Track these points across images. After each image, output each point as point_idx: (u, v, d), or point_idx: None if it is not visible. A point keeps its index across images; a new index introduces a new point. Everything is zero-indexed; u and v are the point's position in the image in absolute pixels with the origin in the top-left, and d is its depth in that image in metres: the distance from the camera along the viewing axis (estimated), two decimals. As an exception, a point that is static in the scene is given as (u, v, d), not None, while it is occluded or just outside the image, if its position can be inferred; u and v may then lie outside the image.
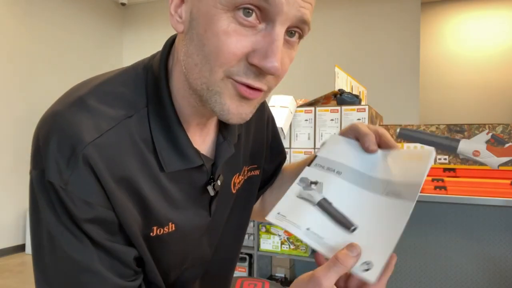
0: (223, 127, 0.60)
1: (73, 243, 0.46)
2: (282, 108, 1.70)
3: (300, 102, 1.88)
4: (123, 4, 4.76)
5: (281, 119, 1.66)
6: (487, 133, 1.57)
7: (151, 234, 0.52)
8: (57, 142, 0.45)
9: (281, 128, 1.66)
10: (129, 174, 0.48)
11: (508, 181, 1.49)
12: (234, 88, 0.45)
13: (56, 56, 3.93)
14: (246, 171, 0.69)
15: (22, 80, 3.60)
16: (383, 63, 3.63)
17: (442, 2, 4.18)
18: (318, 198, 0.50)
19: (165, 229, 0.53)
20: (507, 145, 1.54)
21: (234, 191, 0.66)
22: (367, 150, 0.52)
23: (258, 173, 0.72)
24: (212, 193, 0.57)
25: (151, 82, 0.52)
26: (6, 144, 3.37)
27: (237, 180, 0.67)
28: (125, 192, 0.48)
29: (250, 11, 0.42)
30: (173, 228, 0.54)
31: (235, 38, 0.42)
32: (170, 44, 0.54)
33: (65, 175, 0.44)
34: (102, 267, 0.47)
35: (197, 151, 0.54)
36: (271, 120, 0.75)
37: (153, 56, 0.55)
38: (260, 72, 0.44)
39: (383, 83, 3.55)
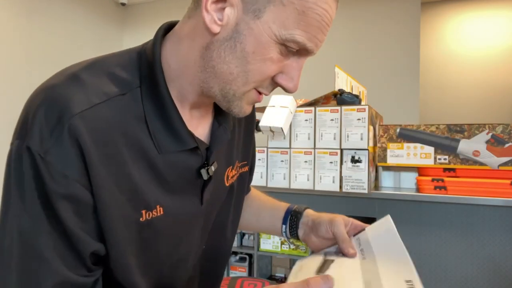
0: (218, 113, 0.61)
1: (32, 225, 0.43)
2: (282, 108, 1.70)
3: (300, 102, 1.88)
4: (123, 4, 4.75)
5: (281, 119, 1.66)
6: (487, 133, 1.57)
7: (141, 219, 0.51)
8: (44, 111, 0.44)
9: (281, 128, 1.66)
10: (116, 152, 0.47)
11: (508, 181, 1.49)
12: (253, 97, 0.53)
13: (56, 56, 3.93)
14: (238, 166, 0.70)
15: (21, 80, 3.60)
16: (383, 63, 3.63)
17: (442, 2, 4.17)
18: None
19: (153, 212, 0.52)
20: (507, 145, 1.54)
21: (227, 184, 0.66)
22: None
23: (247, 169, 0.75)
24: (205, 177, 0.58)
25: (145, 65, 0.52)
26: (6, 144, 3.36)
27: (231, 173, 0.67)
28: (110, 170, 0.47)
29: (293, 49, 0.50)
30: (161, 212, 0.53)
31: (276, 65, 0.50)
32: (164, 29, 0.55)
33: (47, 144, 0.43)
34: (54, 254, 0.45)
35: (191, 133, 0.54)
36: (256, 125, 0.78)
37: (146, 43, 0.55)
38: (276, 86, 0.53)
39: (383, 83, 3.54)
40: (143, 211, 0.51)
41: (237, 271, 2.00)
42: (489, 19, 4.03)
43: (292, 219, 0.75)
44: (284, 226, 0.76)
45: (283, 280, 2.02)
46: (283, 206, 0.79)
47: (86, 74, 0.48)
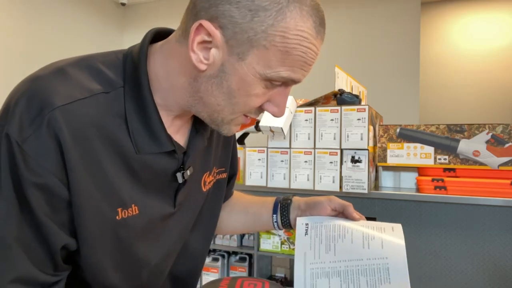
0: (197, 121, 0.62)
1: (2, 211, 0.43)
2: (282, 108, 1.69)
3: (300, 102, 1.88)
4: (123, 4, 4.75)
5: (281, 119, 1.66)
6: (487, 133, 1.57)
7: (117, 217, 0.52)
8: (27, 101, 0.44)
9: (281, 128, 1.65)
10: (93, 148, 0.48)
11: (508, 181, 1.49)
12: (241, 121, 0.56)
13: (55, 56, 3.93)
14: (215, 172, 0.71)
15: (20, 79, 3.60)
16: (383, 63, 3.63)
17: (442, 2, 4.18)
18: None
19: (129, 211, 0.53)
20: (507, 145, 1.54)
21: (204, 190, 0.67)
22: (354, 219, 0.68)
23: (225, 176, 0.75)
24: (180, 180, 0.58)
25: (130, 66, 0.53)
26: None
27: (208, 179, 0.69)
28: (86, 165, 0.47)
29: (278, 83, 0.52)
30: (137, 211, 0.54)
31: (261, 98, 0.52)
32: (152, 35, 0.56)
33: (25, 133, 0.43)
34: (20, 245, 0.44)
35: (169, 137, 0.55)
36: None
37: (133, 46, 0.56)
38: (262, 111, 0.55)
39: (383, 83, 3.54)
40: (119, 209, 0.52)
41: (237, 271, 2.00)
42: (489, 19, 4.03)
43: (282, 207, 0.76)
44: (275, 216, 0.77)
45: (283, 280, 2.02)
46: (270, 199, 0.80)
47: (72, 69, 0.49)
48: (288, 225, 0.76)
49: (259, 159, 1.81)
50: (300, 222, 0.69)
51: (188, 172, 0.60)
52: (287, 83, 0.52)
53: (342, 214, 0.71)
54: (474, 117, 3.93)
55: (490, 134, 1.56)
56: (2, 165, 0.43)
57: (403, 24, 3.59)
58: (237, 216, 0.83)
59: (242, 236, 1.98)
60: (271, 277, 2.05)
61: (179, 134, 0.60)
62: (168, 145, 0.54)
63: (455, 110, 4.07)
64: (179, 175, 0.58)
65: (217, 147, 0.71)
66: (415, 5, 3.56)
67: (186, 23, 0.51)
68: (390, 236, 0.63)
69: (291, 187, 1.75)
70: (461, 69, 4.10)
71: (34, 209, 0.44)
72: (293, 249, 1.84)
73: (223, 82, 0.50)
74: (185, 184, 0.60)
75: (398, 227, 0.65)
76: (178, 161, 0.58)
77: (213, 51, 0.48)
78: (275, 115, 0.55)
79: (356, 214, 0.69)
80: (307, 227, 0.67)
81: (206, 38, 0.48)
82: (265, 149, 1.81)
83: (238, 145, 2.04)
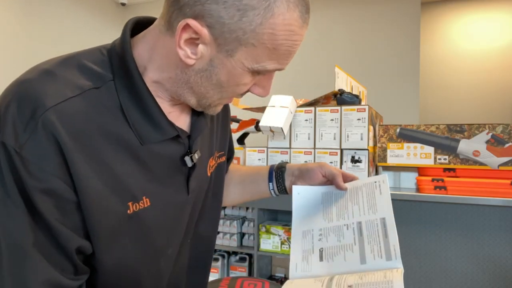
0: None
1: (14, 222, 0.42)
2: (282, 108, 1.70)
3: (300, 102, 1.88)
4: (123, 4, 4.76)
5: (281, 119, 1.66)
6: (487, 133, 1.57)
7: (128, 211, 0.51)
8: (17, 106, 0.43)
9: (281, 128, 1.65)
10: (94, 144, 0.47)
11: (508, 181, 1.49)
12: (227, 101, 0.57)
13: (55, 55, 3.93)
14: (217, 156, 0.71)
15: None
16: (383, 63, 3.63)
17: (442, 2, 4.17)
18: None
19: (140, 204, 0.52)
20: (507, 145, 1.54)
21: (209, 175, 0.67)
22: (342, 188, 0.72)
23: (224, 159, 0.76)
24: (189, 164, 0.58)
25: (116, 59, 0.53)
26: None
27: (211, 163, 0.69)
28: (90, 163, 0.46)
29: (265, 72, 0.53)
30: (148, 203, 0.53)
31: (249, 85, 0.54)
32: (132, 24, 0.56)
33: (22, 139, 0.42)
34: (38, 251, 0.44)
35: (171, 122, 0.55)
36: (230, 116, 0.82)
37: (115, 40, 0.57)
38: (249, 93, 0.57)
39: (383, 83, 3.54)
40: (130, 203, 0.51)
41: (237, 271, 2.00)
42: (489, 19, 4.02)
43: (277, 175, 0.79)
44: (271, 184, 0.80)
45: (283, 280, 2.02)
46: (265, 168, 0.83)
47: (59, 69, 0.48)
48: (284, 191, 0.80)
49: (259, 159, 1.81)
50: (296, 192, 0.73)
51: (196, 156, 0.59)
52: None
53: (331, 182, 0.74)
54: (474, 117, 3.93)
55: (490, 134, 1.56)
56: (5, 174, 0.42)
57: (403, 24, 3.59)
58: (235, 189, 0.85)
59: (242, 236, 1.98)
60: (271, 277, 2.05)
61: (180, 118, 0.59)
62: (171, 131, 0.54)
63: (455, 110, 4.07)
64: (187, 158, 0.58)
65: (217, 131, 0.72)
66: (415, 5, 3.56)
67: (168, 14, 0.50)
68: (379, 196, 0.66)
69: (291, 187, 1.75)
70: (461, 69, 4.10)
71: (44, 214, 0.43)
72: (293, 249, 1.84)
73: (212, 75, 0.51)
74: (195, 168, 0.60)
75: (384, 186, 0.68)
76: (185, 146, 0.58)
77: (201, 47, 0.48)
78: (260, 96, 0.57)
79: (343, 185, 0.72)
80: (302, 196, 0.71)
81: (194, 35, 0.48)
82: (265, 149, 1.81)
83: (238, 145, 2.04)
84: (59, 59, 0.51)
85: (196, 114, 0.62)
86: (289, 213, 2.16)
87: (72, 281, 0.47)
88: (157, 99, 0.54)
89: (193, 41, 0.48)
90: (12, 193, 0.42)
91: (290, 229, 1.80)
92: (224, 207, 2.13)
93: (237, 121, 2.00)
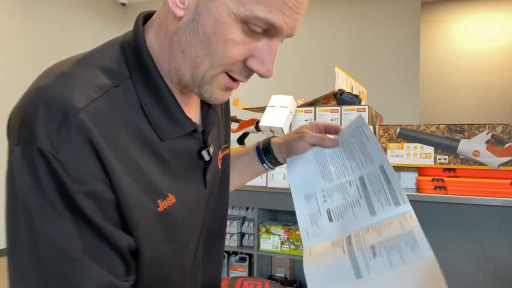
0: None
1: (58, 227, 0.41)
2: (282, 108, 1.70)
3: (300, 102, 1.88)
4: (123, 4, 4.76)
5: (281, 119, 1.66)
6: (487, 133, 1.57)
7: (159, 209, 0.50)
8: (46, 111, 0.42)
9: (281, 128, 1.65)
10: (124, 144, 0.46)
11: (508, 181, 1.49)
12: (224, 81, 0.51)
13: (56, 56, 3.93)
14: (223, 148, 0.71)
15: (21, 80, 3.60)
16: (383, 63, 3.63)
17: (442, 2, 4.17)
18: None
19: (167, 201, 0.52)
20: (507, 145, 1.54)
21: (219, 167, 0.68)
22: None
23: (228, 152, 0.76)
24: (207, 157, 0.58)
25: (130, 54, 0.51)
26: (5, 145, 3.36)
27: (220, 155, 0.69)
28: (122, 163, 0.46)
29: (258, 28, 0.47)
30: (174, 200, 0.53)
31: (241, 47, 0.48)
32: (143, 18, 0.55)
33: (56, 142, 0.40)
34: (91, 257, 0.43)
35: (187, 117, 0.54)
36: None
37: (127, 34, 0.55)
38: (251, 72, 0.51)
39: (383, 83, 3.54)
40: (159, 201, 0.50)
41: (237, 271, 2.00)
42: (489, 19, 4.03)
43: (268, 156, 0.80)
44: (265, 165, 0.81)
45: (283, 280, 2.02)
46: (252, 150, 0.83)
47: (77, 71, 0.47)
48: (278, 163, 0.81)
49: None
50: (289, 160, 0.73)
51: (211, 149, 0.59)
52: (270, 33, 0.48)
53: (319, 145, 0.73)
54: (474, 117, 3.93)
55: (490, 134, 1.56)
56: (44, 182, 0.40)
57: (403, 24, 3.59)
58: (234, 174, 0.84)
59: (242, 236, 1.98)
60: (271, 277, 2.05)
61: (192, 112, 0.59)
62: (189, 125, 0.54)
63: (455, 110, 4.07)
64: (204, 153, 0.57)
65: (221, 124, 0.71)
66: (415, 5, 3.56)
67: None
68: (368, 142, 0.65)
69: (291, 187, 1.75)
70: (461, 69, 4.10)
71: (91, 217, 0.42)
72: (293, 248, 1.84)
73: (199, 27, 0.47)
74: (211, 161, 0.60)
75: (366, 129, 0.66)
76: (200, 140, 0.57)
77: None
78: (261, 74, 0.50)
79: (332, 145, 0.70)
80: (296, 161, 0.71)
81: None
82: (265, 149, 1.80)
83: (238, 145, 2.04)
84: (74, 61, 0.49)
85: (206, 108, 0.61)
86: (289, 213, 2.16)
87: (124, 283, 0.46)
88: (174, 94, 0.53)
89: None
90: (54, 200, 0.41)
91: (290, 229, 1.81)
92: (224, 207, 2.13)
93: (237, 121, 2.00)
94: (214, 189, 0.66)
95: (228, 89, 0.53)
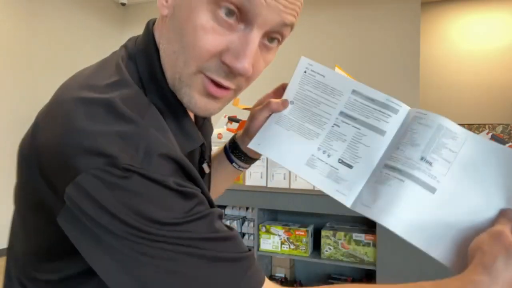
0: None
1: (192, 244, 0.39)
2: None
3: (300, 102, 1.87)
4: (123, 4, 4.76)
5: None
6: (487, 133, 1.57)
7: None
8: (132, 149, 0.39)
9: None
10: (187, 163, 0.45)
11: (508, 181, 1.50)
12: (203, 85, 0.46)
13: (56, 56, 3.94)
14: (209, 157, 0.70)
15: (21, 80, 3.60)
16: (383, 63, 3.63)
17: (442, 2, 4.18)
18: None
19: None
20: (507, 145, 1.54)
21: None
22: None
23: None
24: (207, 170, 0.57)
25: (145, 72, 0.48)
26: (5, 145, 3.37)
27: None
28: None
29: (232, 12, 0.42)
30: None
31: (212, 36, 0.43)
32: (152, 33, 0.51)
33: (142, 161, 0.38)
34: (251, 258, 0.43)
35: (197, 130, 0.52)
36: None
37: (132, 45, 0.51)
38: (230, 71, 0.44)
39: (383, 83, 3.55)
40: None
41: (237, 271, 2.00)
42: (489, 19, 4.03)
43: (236, 153, 0.72)
44: (234, 164, 0.73)
45: (283, 280, 2.02)
46: (221, 153, 0.75)
47: (123, 105, 0.42)
48: (249, 159, 0.74)
49: (259, 159, 1.81)
50: (256, 144, 0.62)
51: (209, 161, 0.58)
52: (247, 19, 0.43)
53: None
54: (474, 117, 3.93)
55: (490, 134, 1.56)
56: (145, 202, 0.38)
57: (403, 24, 3.60)
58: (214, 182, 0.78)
59: (242, 236, 1.98)
60: (271, 277, 2.05)
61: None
62: (200, 138, 0.52)
63: (455, 110, 4.07)
64: (205, 166, 0.56)
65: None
66: (415, 5, 3.56)
67: None
68: (324, 79, 0.60)
69: (291, 187, 1.75)
70: (461, 69, 4.10)
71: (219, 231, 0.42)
72: (293, 249, 1.84)
73: (176, 20, 0.45)
74: (209, 173, 0.59)
75: (316, 66, 0.61)
76: (200, 153, 0.56)
77: None
78: (236, 70, 0.43)
79: (283, 106, 0.61)
80: (265, 140, 0.62)
81: None
82: (265, 149, 1.80)
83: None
84: (94, 98, 0.42)
85: (202, 118, 0.59)
86: (289, 213, 2.16)
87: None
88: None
89: None
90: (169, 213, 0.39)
91: (290, 229, 1.81)
92: (225, 207, 2.13)
93: (237, 121, 2.00)
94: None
95: (210, 96, 0.46)
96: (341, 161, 0.55)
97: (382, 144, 0.54)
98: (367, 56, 3.69)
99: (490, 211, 0.47)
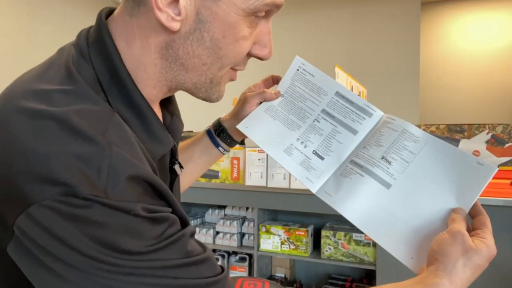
0: (168, 102, 0.57)
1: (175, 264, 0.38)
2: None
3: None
4: (123, 4, 4.76)
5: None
6: (487, 133, 1.57)
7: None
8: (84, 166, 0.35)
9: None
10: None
11: (508, 181, 1.49)
12: (230, 76, 0.51)
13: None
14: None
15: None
16: (383, 63, 3.63)
17: (442, 2, 4.17)
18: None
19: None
20: (507, 145, 1.54)
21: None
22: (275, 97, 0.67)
23: None
24: (179, 171, 0.56)
25: (105, 73, 0.43)
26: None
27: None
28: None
29: (262, 13, 0.47)
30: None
31: (249, 41, 0.47)
32: (107, 28, 0.46)
33: (102, 184, 0.34)
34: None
35: (168, 133, 0.50)
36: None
37: (83, 43, 0.46)
38: (248, 58, 0.50)
39: (383, 83, 3.55)
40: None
41: (237, 271, 2.00)
42: (489, 19, 4.03)
43: (222, 137, 0.73)
44: (220, 148, 0.74)
45: (283, 280, 2.02)
46: (202, 135, 0.75)
47: (80, 120, 0.37)
48: (234, 142, 0.75)
49: (259, 159, 1.81)
50: (244, 127, 0.67)
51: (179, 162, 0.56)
52: (267, 13, 0.48)
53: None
54: (474, 117, 3.93)
55: (490, 134, 1.56)
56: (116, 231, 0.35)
57: (403, 24, 3.60)
58: (188, 169, 0.75)
59: (242, 236, 1.98)
60: (271, 277, 2.05)
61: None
62: (170, 141, 0.50)
63: (455, 110, 4.07)
64: (177, 167, 0.55)
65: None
66: (415, 5, 3.56)
67: None
68: (314, 78, 0.67)
69: (291, 187, 1.75)
70: (461, 69, 4.10)
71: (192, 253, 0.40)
72: (293, 249, 1.84)
73: (204, 35, 0.43)
74: (179, 176, 0.56)
75: (308, 66, 0.69)
76: (171, 154, 0.54)
77: (182, 2, 0.41)
78: (264, 58, 0.50)
79: (275, 96, 0.67)
80: (252, 125, 0.66)
81: None
82: (265, 149, 1.80)
83: (238, 145, 2.04)
84: (55, 100, 0.38)
85: (169, 115, 0.56)
86: (289, 213, 2.16)
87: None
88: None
89: (172, 1, 0.42)
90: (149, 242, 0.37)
91: (290, 229, 1.81)
92: (224, 207, 2.13)
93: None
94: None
95: (231, 80, 0.52)
96: (315, 153, 0.62)
97: (353, 142, 0.61)
98: (367, 56, 3.69)
99: (442, 210, 0.52)
